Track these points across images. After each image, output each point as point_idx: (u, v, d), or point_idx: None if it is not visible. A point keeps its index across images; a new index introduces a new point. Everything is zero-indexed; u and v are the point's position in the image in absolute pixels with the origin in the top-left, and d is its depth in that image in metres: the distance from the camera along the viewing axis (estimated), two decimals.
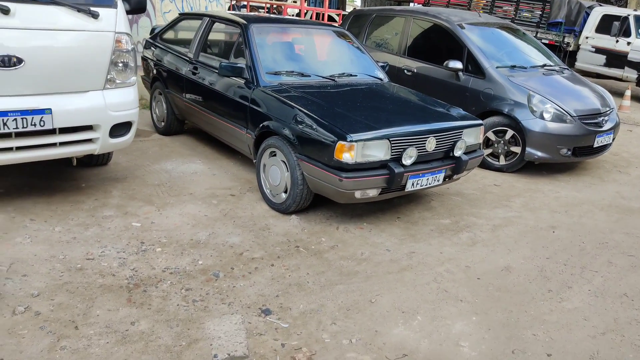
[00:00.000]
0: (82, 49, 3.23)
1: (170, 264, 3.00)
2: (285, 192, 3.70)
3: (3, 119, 2.96)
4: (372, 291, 2.90)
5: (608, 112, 5.34)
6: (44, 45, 3.07)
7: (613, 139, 5.41)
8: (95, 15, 3.24)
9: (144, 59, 5.77)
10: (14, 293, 2.58)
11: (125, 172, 4.34)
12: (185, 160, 4.76)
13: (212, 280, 2.88)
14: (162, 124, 5.50)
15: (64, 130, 3.25)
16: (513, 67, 5.45)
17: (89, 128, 3.36)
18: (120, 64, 3.43)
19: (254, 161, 4.02)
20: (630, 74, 10.19)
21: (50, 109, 3.11)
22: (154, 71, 5.48)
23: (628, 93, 9.26)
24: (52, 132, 3.20)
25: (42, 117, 3.08)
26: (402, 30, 6.27)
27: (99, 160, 4.21)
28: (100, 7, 3.29)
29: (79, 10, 3.19)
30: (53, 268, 2.84)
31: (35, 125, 3.08)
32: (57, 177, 4.06)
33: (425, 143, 3.52)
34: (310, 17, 12.55)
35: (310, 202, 3.73)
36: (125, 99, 3.47)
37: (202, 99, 4.64)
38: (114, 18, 3.36)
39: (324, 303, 2.75)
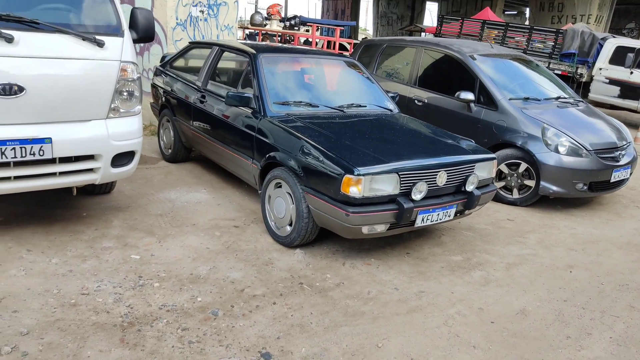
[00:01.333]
0: (86, 77, 3.18)
1: (168, 300, 2.87)
2: (290, 225, 3.57)
3: (1, 148, 2.89)
4: (379, 334, 2.74)
5: (625, 146, 5.18)
6: (47, 74, 3.02)
7: (630, 174, 5.24)
8: (100, 44, 3.20)
9: (154, 86, 5.76)
10: (1, 331, 2.46)
11: (128, 200, 4.25)
12: (190, 189, 4.67)
13: (211, 319, 2.74)
14: (169, 151, 5.44)
15: (64, 160, 3.18)
16: (526, 99, 5.34)
17: (90, 157, 3.28)
18: (125, 93, 3.37)
19: (259, 192, 3.92)
20: None
21: (50, 138, 3.04)
22: (163, 98, 5.46)
23: None
24: (51, 161, 3.13)
25: (41, 147, 3.01)
26: (413, 60, 6.21)
27: (101, 189, 4.13)
28: (106, 35, 3.26)
29: (84, 39, 3.15)
30: (46, 303, 2.73)
31: (34, 154, 3.00)
32: (58, 206, 3.99)
33: (435, 177, 3.39)
34: (322, 46, 12.63)
35: (315, 236, 3.60)
36: (128, 128, 3.40)
37: (209, 127, 4.58)
38: (120, 47, 3.32)
39: (327, 347, 2.60)
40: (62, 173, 3.21)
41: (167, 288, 3.00)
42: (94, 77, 3.20)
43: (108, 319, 2.65)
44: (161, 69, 5.67)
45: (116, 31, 3.33)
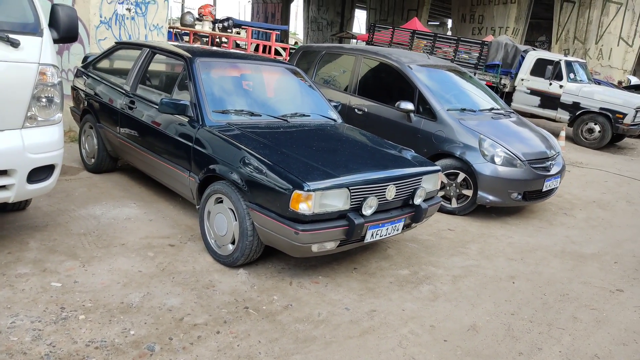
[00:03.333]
0: None
1: (96, 335, 2.54)
2: (233, 243, 3.33)
3: None
4: None
5: (555, 155, 5.40)
6: None
7: (559, 182, 5.46)
8: (15, 44, 2.80)
9: (74, 88, 5.27)
10: None
11: (46, 218, 3.81)
12: (118, 204, 4.28)
13: (147, 355, 2.45)
14: (92, 160, 4.99)
15: None
16: (463, 110, 5.43)
17: (2, 173, 2.86)
18: (44, 100, 2.98)
19: (197, 207, 3.64)
20: (562, 115, 10.68)
21: None
22: (85, 103, 4.99)
23: (563, 134, 9.65)
24: None
25: None
26: (352, 68, 6.14)
27: (14, 206, 3.67)
28: (21, 34, 2.86)
29: None
30: None
31: None
32: None
33: (385, 191, 3.29)
34: (256, 50, 12.35)
35: (260, 254, 3.38)
36: (47, 139, 3.01)
37: (139, 136, 4.21)
38: (39, 47, 2.93)
39: None
40: None
41: (95, 320, 2.66)
42: (8, 81, 2.79)
43: None
44: (83, 70, 5.20)
45: (34, 30, 2.94)
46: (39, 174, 3.02)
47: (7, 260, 3.13)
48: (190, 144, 3.64)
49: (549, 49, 21.77)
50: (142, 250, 3.51)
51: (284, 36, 24.03)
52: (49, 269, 3.11)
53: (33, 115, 2.95)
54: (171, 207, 4.37)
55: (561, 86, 10.61)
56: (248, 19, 33.41)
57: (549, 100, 10.80)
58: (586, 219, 5.59)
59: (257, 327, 2.80)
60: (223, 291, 3.11)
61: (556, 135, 9.93)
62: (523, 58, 11.47)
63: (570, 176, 7.49)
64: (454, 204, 5.11)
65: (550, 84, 10.77)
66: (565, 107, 10.58)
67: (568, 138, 10.58)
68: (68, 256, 3.29)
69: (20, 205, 3.72)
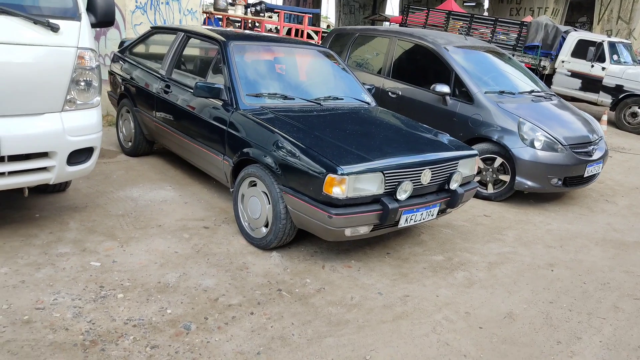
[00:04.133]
0: (38, 66, 2.83)
1: (134, 313, 2.60)
2: (266, 226, 3.35)
3: None
4: (365, 345, 2.57)
5: (597, 140, 5.20)
6: None
7: (602, 168, 5.26)
8: (55, 29, 2.85)
9: (111, 73, 5.36)
10: None
11: (86, 200, 3.91)
12: (154, 186, 4.36)
13: (183, 334, 2.49)
14: (129, 144, 5.08)
15: (14, 158, 2.83)
16: (501, 92, 5.27)
17: (43, 155, 2.94)
18: (83, 83, 3.04)
19: (231, 190, 3.66)
20: (604, 98, 10.27)
21: None
22: (122, 87, 5.08)
23: (605, 118, 9.30)
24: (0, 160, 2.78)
25: None
26: (386, 51, 6.04)
27: (55, 188, 3.77)
28: (61, 19, 2.91)
29: (35, 22, 2.79)
30: None
31: None
32: (7, 206, 3.61)
33: (420, 176, 3.24)
34: (288, 34, 12.29)
35: (293, 237, 3.39)
36: (86, 122, 3.07)
37: (174, 119, 4.26)
38: (77, 32, 2.98)
39: None
40: (11, 173, 2.86)
41: (133, 299, 2.73)
42: (47, 65, 2.85)
43: (67, 337, 2.37)
44: (120, 55, 5.28)
45: (72, 14, 2.98)
46: (78, 156, 3.09)
47: (48, 240, 3.24)
48: (224, 127, 3.66)
49: (590, 29, 20.91)
50: (178, 231, 3.56)
51: (315, 20, 23.85)
52: (88, 248, 3.19)
53: (72, 99, 3.01)
54: (205, 190, 4.42)
55: (604, 68, 10.19)
56: (280, 2, 33.29)
57: (591, 83, 10.39)
58: (629, 206, 5.38)
59: (290, 309, 2.81)
60: (256, 273, 3.13)
61: (598, 119, 9.58)
62: (564, 39, 11.05)
63: (612, 162, 7.22)
64: (490, 190, 4.99)
65: (592, 66, 10.35)
66: (607, 90, 10.17)
67: (610, 122, 10.18)
68: (107, 236, 3.37)
69: (61, 187, 3.83)
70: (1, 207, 3.59)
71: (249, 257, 3.33)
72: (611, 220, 4.88)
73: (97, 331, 2.44)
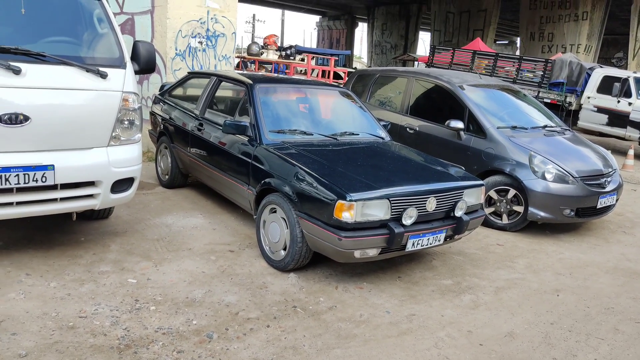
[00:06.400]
0: (89, 107, 3.31)
1: (164, 323, 2.94)
2: (285, 249, 3.67)
3: (5, 175, 3.00)
4: (370, 357, 2.81)
5: (611, 173, 5.33)
6: (52, 104, 3.15)
7: (616, 200, 5.38)
8: (103, 76, 3.33)
9: (152, 114, 5.91)
10: (0, 353, 2.52)
11: (126, 225, 4.34)
12: (187, 215, 4.77)
13: (206, 342, 2.80)
14: (166, 177, 5.55)
15: (66, 186, 3.28)
16: (514, 127, 5.51)
17: (90, 184, 3.39)
18: (126, 122, 3.50)
19: (255, 217, 4.02)
20: (632, 133, 10.29)
21: (53, 165, 3.15)
22: (161, 126, 5.59)
23: (631, 152, 9.29)
24: (53, 187, 3.23)
25: (44, 173, 3.11)
26: (404, 90, 6.41)
27: (100, 214, 4.22)
28: (109, 67, 3.40)
29: (87, 71, 3.29)
30: (44, 326, 2.79)
31: (37, 181, 3.11)
32: (57, 230, 4.07)
33: (425, 203, 3.51)
34: (317, 75, 12.90)
35: (309, 260, 3.69)
36: (128, 156, 3.52)
37: (206, 154, 4.70)
38: (122, 78, 3.46)
39: None
40: (63, 199, 3.30)
41: (163, 311, 3.07)
42: (97, 106, 3.33)
43: (105, 341, 2.72)
44: (160, 97, 5.83)
45: (119, 63, 3.48)
46: (120, 185, 3.53)
47: (92, 260, 3.65)
48: (249, 160, 4.05)
49: (626, 65, 20.79)
50: (206, 254, 3.92)
51: (347, 60, 24.59)
52: (126, 267, 3.58)
53: (117, 135, 3.47)
54: (232, 218, 4.79)
55: (630, 104, 10.25)
56: (314, 45, 34.51)
57: (618, 118, 10.45)
58: None
59: (303, 323, 3.09)
60: (274, 292, 3.44)
61: (625, 153, 9.58)
62: (589, 75, 11.20)
63: (636, 195, 7.24)
64: (505, 220, 5.17)
65: (619, 101, 10.43)
66: (635, 124, 10.19)
67: (637, 156, 10.13)
68: (143, 257, 3.76)
69: (104, 214, 4.28)
70: (51, 231, 4.05)
71: (268, 277, 3.64)
72: (626, 250, 4.96)
73: (131, 337, 2.78)
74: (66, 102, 3.22)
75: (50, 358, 2.52)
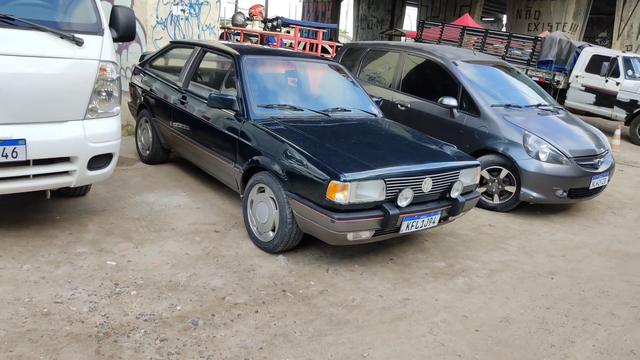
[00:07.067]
0: (64, 77, 3.05)
1: (146, 309, 2.77)
2: (273, 230, 3.50)
3: None
4: (364, 343, 2.69)
5: (603, 153, 5.26)
6: (22, 72, 2.88)
7: (608, 181, 5.32)
8: (79, 43, 3.07)
9: (132, 85, 5.62)
10: None
11: (104, 204, 4.12)
12: (169, 192, 4.56)
13: (191, 329, 2.65)
14: (147, 152, 5.31)
15: (39, 162, 3.05)
16: (508, 105, 5.38)
17: (65, 160, 3.16)
18: (104, 93, 3.25)
19: (241, 196, 3.84)
20: (619, 113, 10.27)
21: (24, 140, 2.91)
22: (142, 98, 5.32)
23: (618, 132, 9.29)
24: (25, 163, 2.99)
25: (14, 148, 2.87)
26: (396, 65, 6.21)
27: (76, 192, 3.99)
28: (85, 34, 3.13)
29: (62, 37, 3.02)
30: (16, 313, 2.60)
31: (7, 156, 2.87)
32: (30, 209, 3.83)
33: (421, 184, 3.37)
34: (304, 48, 12.58)
35: (299, 242, 3.54)
36: (106, 130, 3.29)
37: (189, 129, 4.47)
38: (99, 46, 3.20)
39: (312, 357, 2.54)
40: (36, 176, 3.07)
41: (145, 296, 2.90)
42: (72, 76, 3.07)
43: (83, 329, 2.54)
44: (140, 68, 5.54)
45: (96, 29, 3.21)
46: (98, 161, 3.30)
47: (68, 240, 3.44)
48: (235, 136, 3.84)
49: (609, 45, 20.80)
50: (190, 235, 3.74)
51: (333, 34, 24.15)
52: (105, 249, 3.38)
53: (94, 108, 3.23)
54: (217, 196, 4.60)
55: (618, 83, 10.21)
56: (299, 18, 33.80)
57: (605, 98, 10.41)
58: (636, 218, 5.41)
59: (294, 308, 2.95)
60: (263, 275, 3.28)
61: (611, 133, 9.58)
62: (578, 54, 11.11)
63: (623, 175, 7.23)
64: (496, 200, 5.08)
65: (607, 81, 10.38)
66: (622, 104, 10.18)
67: (624, 137, 10.15)
68: (123, 238, 3.56)
69: (81, 191, 4.05)
70: (25, 209, 3.81)
71: (256, 259, 3.48)
72: (616, 232, 4.92)
73: (110, 324, 2.61)
74: (38, 71, 2.96)
75: (22, 348, 2.34)
